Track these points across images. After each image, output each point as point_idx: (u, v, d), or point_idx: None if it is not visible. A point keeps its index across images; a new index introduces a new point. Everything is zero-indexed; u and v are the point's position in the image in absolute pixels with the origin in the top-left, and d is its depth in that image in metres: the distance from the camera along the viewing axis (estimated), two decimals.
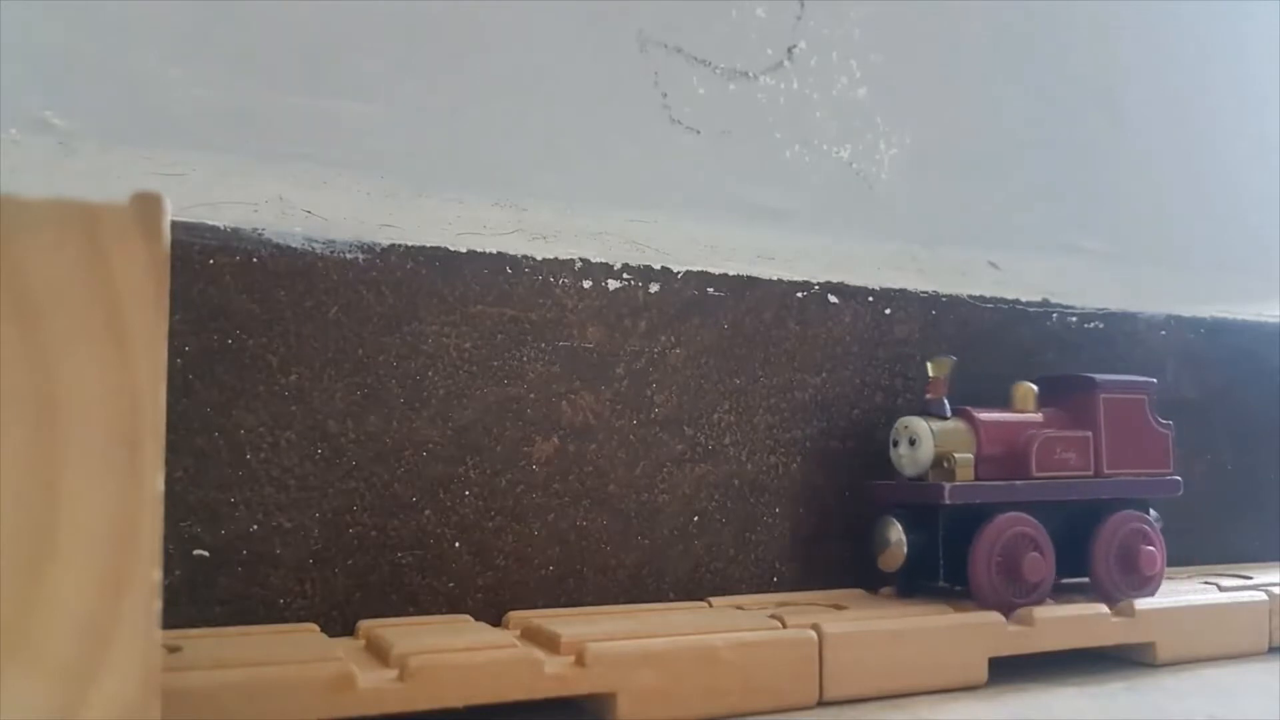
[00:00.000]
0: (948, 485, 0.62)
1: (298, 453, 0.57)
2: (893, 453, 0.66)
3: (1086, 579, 0.66)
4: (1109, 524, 0.65)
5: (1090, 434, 0.67)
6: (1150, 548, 0.66)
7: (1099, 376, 0.68)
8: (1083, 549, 0.65)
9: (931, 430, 0.64)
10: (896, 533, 0.63)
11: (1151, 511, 0.68)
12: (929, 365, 0.67)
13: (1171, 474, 0.69)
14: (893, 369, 0.74)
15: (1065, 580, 0.65)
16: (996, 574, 0.61)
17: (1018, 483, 0.64)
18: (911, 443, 0.65)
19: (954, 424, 0.65)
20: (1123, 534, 0.65)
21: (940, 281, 0.78)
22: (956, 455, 0.64)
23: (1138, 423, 0.69)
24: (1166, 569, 0.67)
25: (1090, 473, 0.66)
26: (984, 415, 0.66)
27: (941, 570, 0.63)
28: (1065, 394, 0.69)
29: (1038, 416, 0.68)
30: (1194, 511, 0.85)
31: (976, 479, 0.64)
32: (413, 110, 0.65)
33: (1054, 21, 0.88)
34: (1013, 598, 0.61)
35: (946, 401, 0.66)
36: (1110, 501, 0.66)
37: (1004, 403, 0.69)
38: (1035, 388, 0.69)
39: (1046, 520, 0.63)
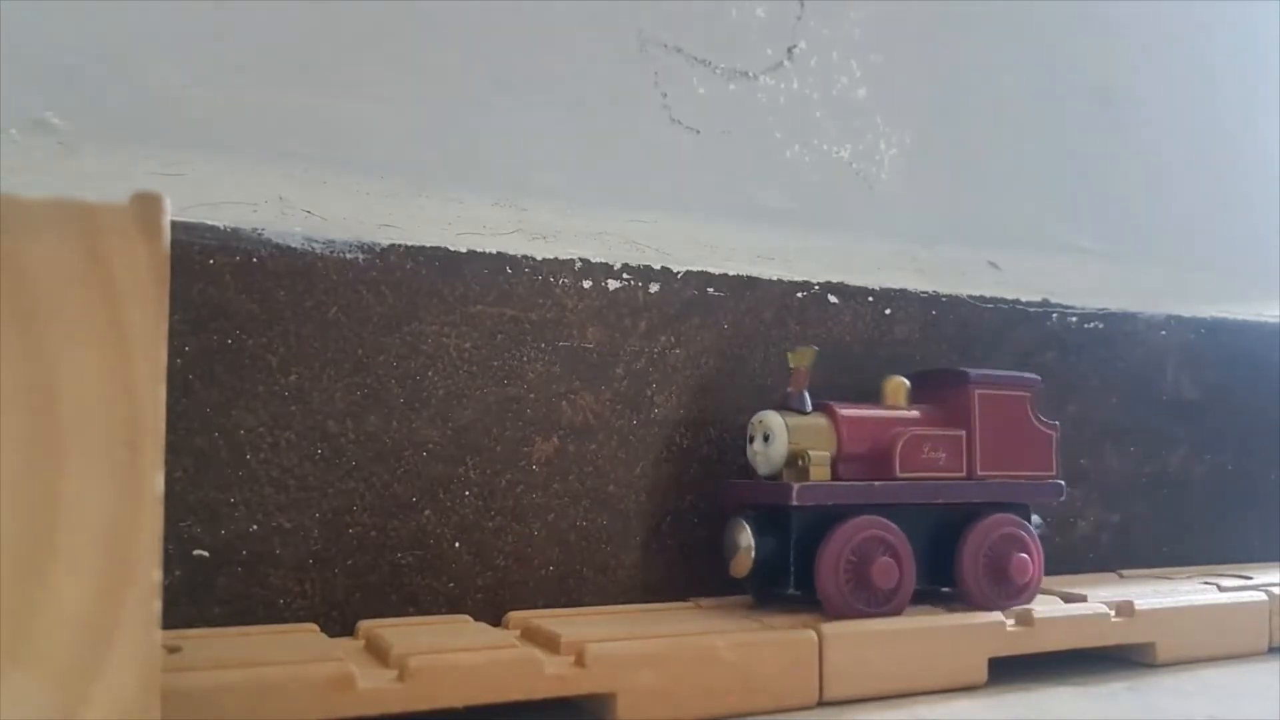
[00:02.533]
0: (796, 485, 0.58)
1: (297, 453, 0.57)
2: (749, 449, 0.62)
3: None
4: (978, 529, 0.61)
5: (963, 432, 0.63)
6: (1023, 555, 0.62)
7: (974, 371, 0.64)
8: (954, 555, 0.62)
9: (786, 425, 0.60)
10: (745, 536, 0.59)
11: (1034, 517, 0.64)
12: (789, 356, 0.63)
13: (1054, 477, 0.65)
14: (893, 369, 0.73)
15: (942, 589, 0.62)
16: (845, 581, 0.57)
17: (876, 483, 0.60)
18: (766, 439, 0.61)
19: (812, 419, 0.61)
20: (993, 540, 0.61)
21: (940, 281, 0.78)
22: (811, 453, 0.59)
23: (1018, 421, 0.64)
24: (1165, 569, 0.67)
25: (962, 474, 0.62)
26: (846, 411, 0.62)
27: (791, 577, 0.58)
28: (939, 389, 0.65)
29: (908, 413, 0.64)
30: (1194, 511, 0.85)
31: (836, 479, 0.60)
32: (413, 110, 0.65)
33: (1054, 21, 0.88)
34: (862, 606, 0.57)
35: (807, 395, 0.62)
36: (984, 505, 0.62)
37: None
38: (907, 382, 0.65)
39: (912, 524, 0.60)
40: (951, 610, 0.59)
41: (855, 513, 0.58)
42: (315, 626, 0.55)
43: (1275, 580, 0.71)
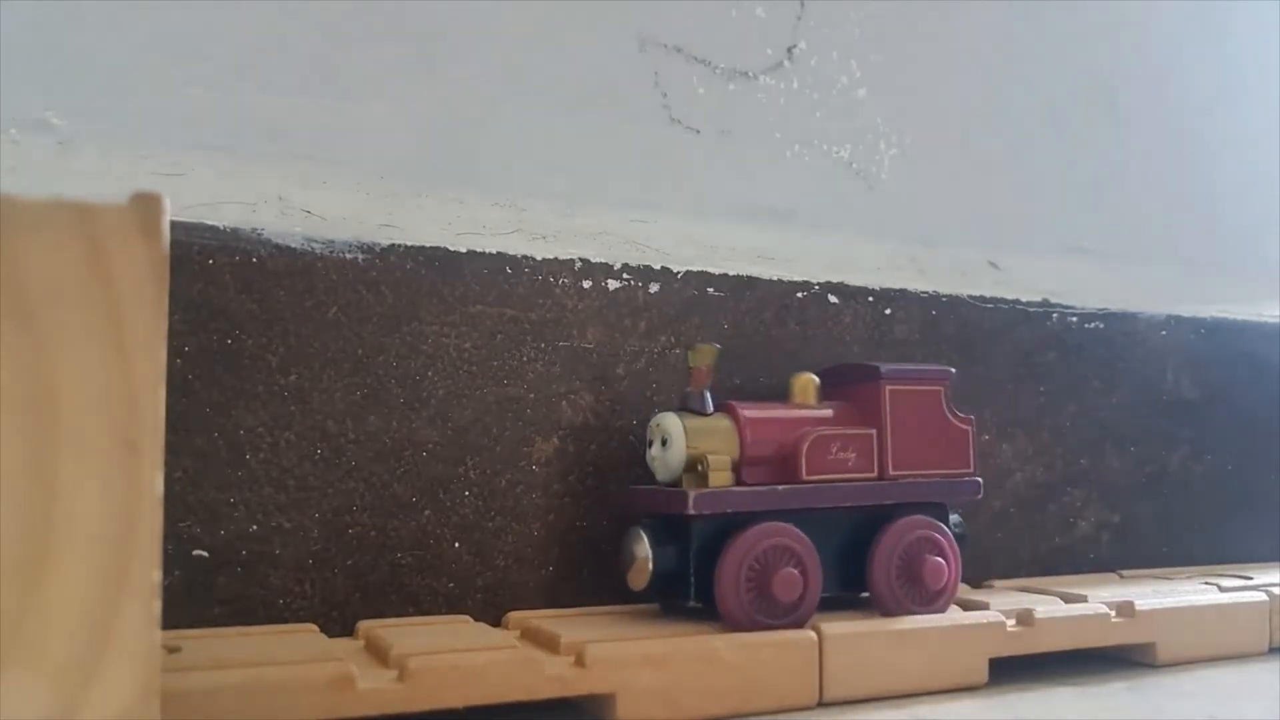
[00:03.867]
0: (693, 492, 0.54)
1: (297, 453, 0.57)
2: (648, 454, 0.59)
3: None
4: (890, 532, 0.58)
5: (873, 430, 0.60)
6: (937, 558, 0.59)
7: (884, 366, 0.61)
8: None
9: (684, 428, 0.57)
10: (643, 547, 0.56)
11: (953, 517, 0.62)
12: (689, 354, 0.60)
13: (972, 475, 0.62)
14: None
15: (859, 595, 0.60)
16: (746, 592, 0.54)
17: (780, 488, 0.56)
18: (664, 443, 0.58)
19: (713, 421, 0.58)
20: (906, 543, 0.59)
21: (940, 282, 0.78)
22: (710, 457, 0.56)
23: (932, 417, 0.61)
24: (1165, 569, 0.66)
25: (873, 474, 0.59)
26: (749, 411, 0.59)
27: (692, 588, 0.55)
28: (849, 386, 0.62)
29: (815, 412, 0.61)
30: (1194, 511, 0.85)
31: (740, 483, 0.57)
32: (412, 110, 0.64)
33: (1054, 21, 0.88)
34: (764, 619, 0.54)
35: (708, 395, 0.59)
36: (897, 506, 0.60)
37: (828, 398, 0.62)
38: (816, 379, 0.62)
39: (821, 529, 0.57)
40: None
41: (759, 519, 0.55)
42: (315, 627, 0.55)
43: (1275, 580, 0.71)
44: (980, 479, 0.63)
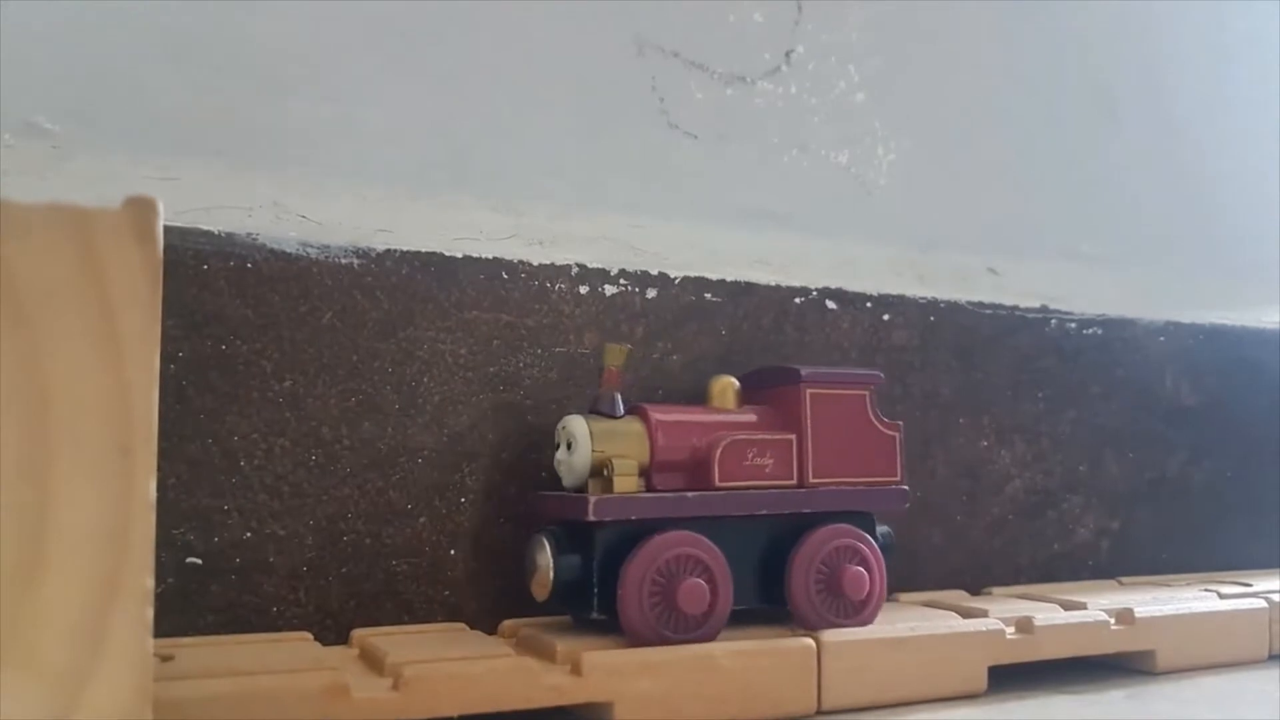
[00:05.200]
0: (593, 498, 0.52)
1: (291, 459, 0.57)
2: (555, 457, 0.57)
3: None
4: (809, 541, 0.56)
5: (793, 436, 0.57)
6: (858, 568, 0.56)
7: (805, 368, 0.59)
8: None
9: (590, 431, 0.55)
10: (545, 555, 0.53)
11: (881, 527, 0.60)
12: (603, 354, 0.58)
13: (898, 482, 0.60)
14: (891, 375, 0.73)
15: (781, 608, 0.57)
16: (650, 604, 0.51)
17: (689, 495, 0.54)
18: (569, 446, 0.55)
19: (622, 424, 0.56)
20: (826, 552, 0.56)
21: (939, 287, 0.78)
22: (616, 462, 0.54)
23: (856, 423, 0.59)
24: (1165, 576, 0.66)
25: (792, 481, 0.57)
26: (661, 414, 0.56)
27: (595, 599, 0.53)
28: (770, 389, 0.60)
29: (733, 416, 0.58)
30: (1194, 518, 0.85)
31: (650, 489, 0.55)
32: (408, 115, 0.64)
33: (1053, 26, 0.88)
34: (668, 632, 0.52)
35: (619, 397, 0.56)
36: (818, 515, 0.57)
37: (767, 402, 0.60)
38: (736, 382, 0.60)
39: (736, 539, 0.55)
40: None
41: (667, 527, 0.53)
42: (309, 635, 0.55)
43: (1275, 587, 0.71)
44: (906, 487, 0.60)
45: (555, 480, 0.57)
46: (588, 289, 0.64)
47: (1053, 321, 0.81)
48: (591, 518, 0.52)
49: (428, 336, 0.60)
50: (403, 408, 0.59)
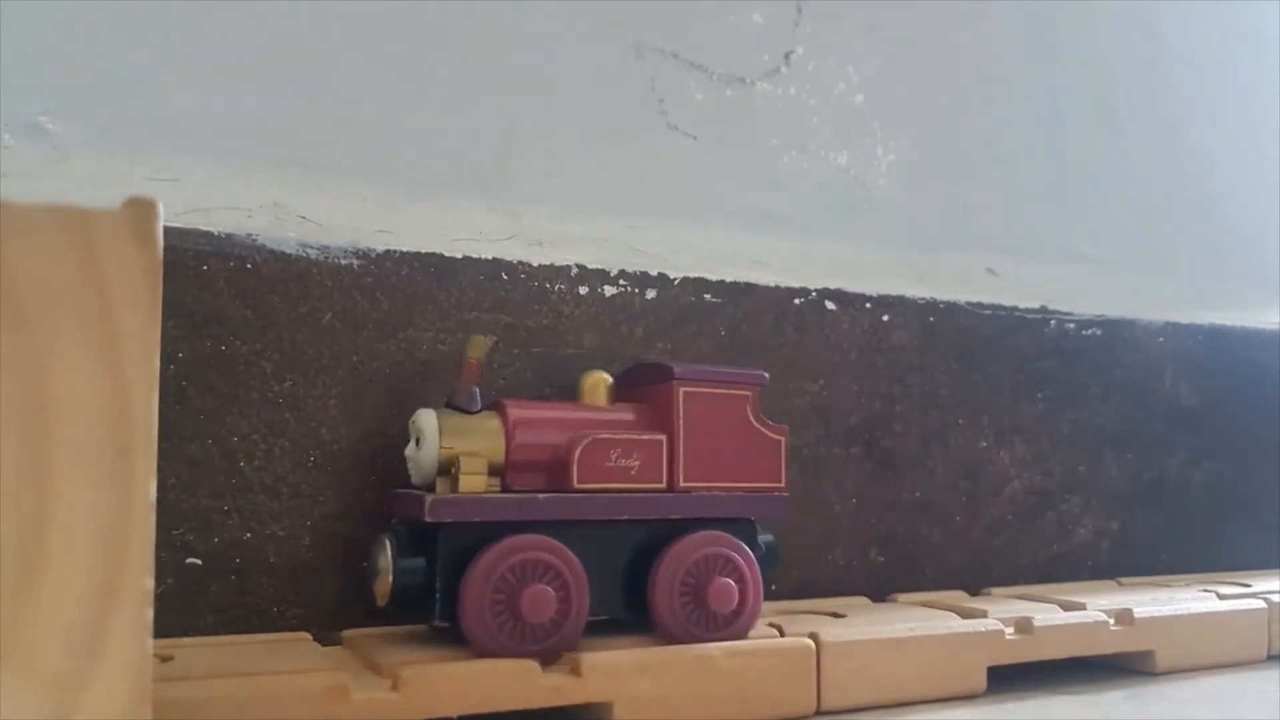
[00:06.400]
0: (429, 497, 0.49)
1: (291, 460, 0.56)
2: (405, 453, 0.54)
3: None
4: (675, 550, 0.52)
5: (663, 436, 0.54)
6: (726, 580, 0.53)
7: (679, 366, 0.55)
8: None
9: (440, 426, 0.51)
10: (385, 557, 0.50)
11: (764, 535, 0.57)
12: (466, 345, 0.54)
13: (781, 489, 0.56)
14: (891, 376, 0.73)
15: (641, 618, 0.53)
16: (493, 613, 0.48)
17: (541, 496, 0.51)
18: (419, 442, 0.52)
19: (476, 420, 0.52)
20: (693, 562, 0.53)
21: (938, 288, 0.78)
22: (464, 459, 0.50)
23: (736, 425, 0.55)
24: (1164, 576, 0.66)
25: (661, 485, 0.53)
26: (519, 410, 0.53)
27: (437, 605, 0.49)
28: (644, 387, 0.57)
29: (600, 414, 0.55)
30: (1193, 519, 0.85)
31: (506, 489, 0.52)
32: (408, 115, 0.64)
33: (1052, 28, 0.88)
34: (513, 643, 0.48)
35: (478, 392, 0.53)
36: (690, 522, 0.54)
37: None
38: (609, 378, 0.57)
39: (596, 545, 0.51)
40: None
41: (522, 531, 0.50)
42: (309, 635, 0.55)
43: (1274, 588, 0.71)
44: (788, 494, 0.57)
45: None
46: (587, 290, 0.64)
47: (1052, 322, 0.81)
48: (428, 518, 0.48)
49: (427, 337, 0.60)
50: (402, 409, 0.59)
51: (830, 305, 0.72)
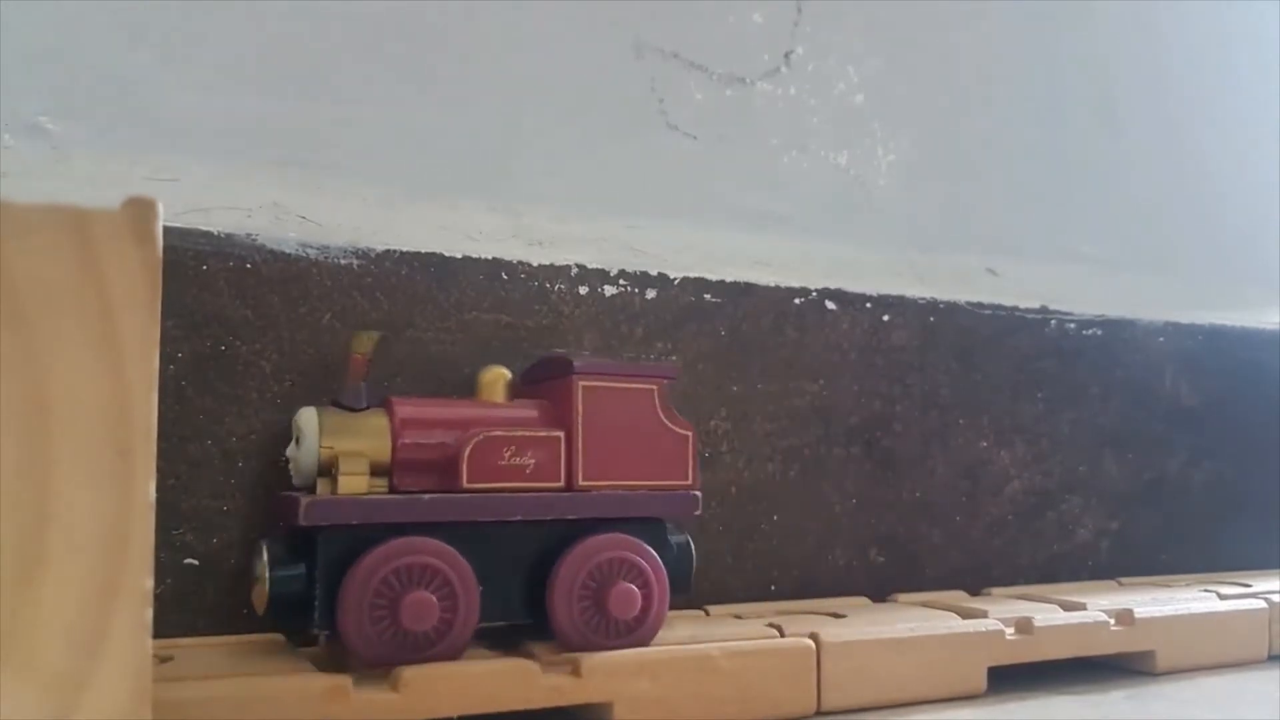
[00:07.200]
0: (304, 500, 0.46)
1: None
2: (285, 453, 0.52)
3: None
4: (575, 553, 0.50)
5: (561, 433, 0.51)
6: (628, 585, 0.51)
7: (580, 359, 0.53)
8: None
9: (320, 425, 0.49)
10: (261, 564, 0.47)
11: (677, 537, 0.55)
12: (351, 341, 0.52)
13: (689, 486, 0.54)
14: (891, 376, 0.73)
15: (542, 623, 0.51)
16: (372, 620, 0.46)
17: (426, 497, 0.48)
18: (299, 441, 0.50)
19: (361, 418, 0.50)
20: (593, 565, 0.50)
21: (938, 288, 0.78)
22: (343, 459, 0.48)
23: (642, 421, 0.53)
24: (1164, 577, 0.66)
25: (560, 484, 0.51)
26: (407, 408, 0.51)
27: (316, 613, 0.46)
28: (546, 382, 0.55)
29: (496, 411, 0.53)
30: (1193, 519, 0.85)
31: (393, 491, 0.49)
32: (408, 115, 0.64)
33: (1052, 29, 0.88)
34: (394, 652, 0.46)
35: (364, 388, 0.51)
36: (592, 523, 0.51)
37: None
38: (508, 373, 0.55)
39: (491, 548, 0.49)
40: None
41: (405, 534, 0.47)
42: None
43: (1275, 588, 0.71)
44: (698, 493, 0.54)
45: None
46: (587, 290, 0.64)
47: (1052, 322, 0.81)
48: (303, 521, 0.46)
49: (427, 337, 0.60)
50: None
51: (830, 305, 0.72)
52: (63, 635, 0.29)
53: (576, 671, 0.48)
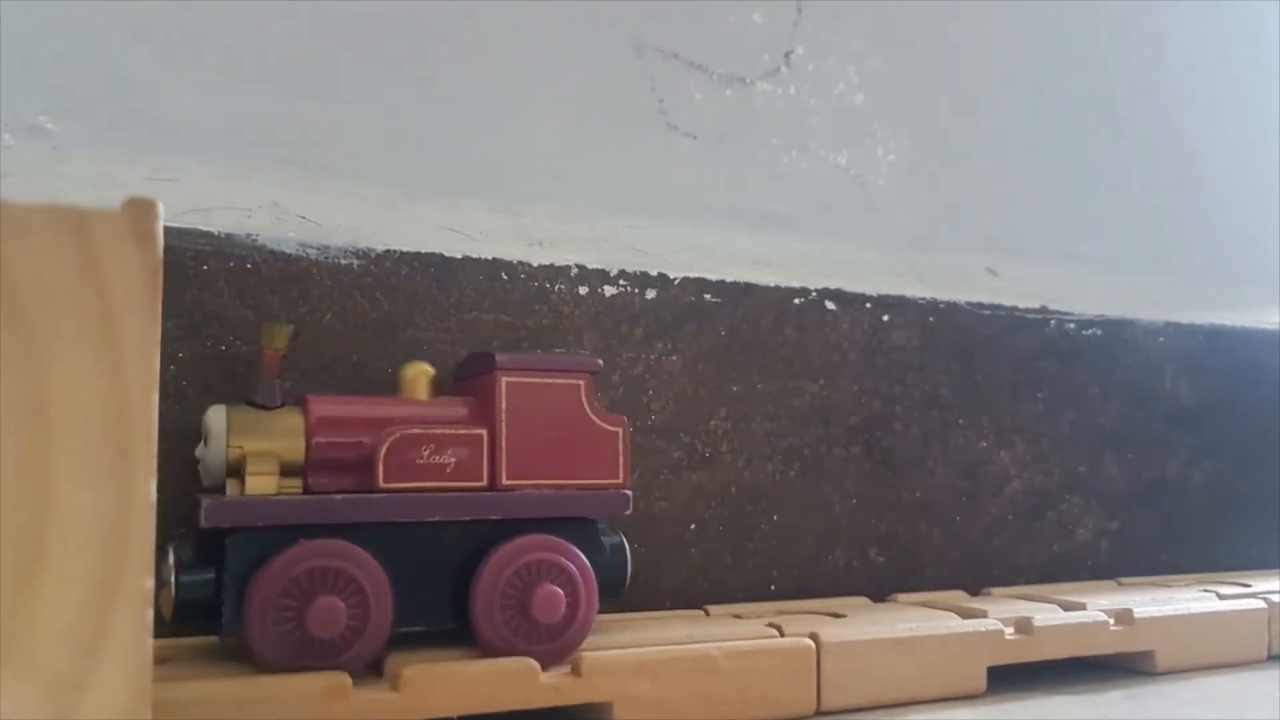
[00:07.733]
0: (207, 501, 0.44)
1: None
2: (195, 452, 0.49)
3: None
4: (497, 555, 0.48)
5: (483, 431, 0.50)
6: (553, 588, 0.49)
7: (502, 354, 0.51)
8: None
9: (228, 424, 0.47)
10: (167, 568, 0.45)
11: (611, 538, 0.53)
12: (260, 335, 0.50)
13: (620, 485, 0.52)
14: (891, 376, 0.73)
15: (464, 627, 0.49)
16: (276, 626, 0.44)
17: (339, 497, 0.46)
18: (207, 441, 0.48)
19: (273, 417, 0.48)
20: (516, 568, 0.48)
21: (938, 288, 0.78)
22: (252, 459, 0.46)
23: (568, 417, 0.51)
24: (1164, 577, 0.66)
25: (482, 483, 0.49)
26: (322, 406, 0.49)
27: (224, 618, 0.45)
28: (472, 379, 0.53)
29: (417, 409, 0.51)
30: (1193, 519, 0.85)
31: (307, 491, 0.48)
32: (408, 115, 0.64)
33: (1052, 29, 0.88)
34: (300, 659, 0.44)
35: (278, 385, 0.49)
36: (516, 523, 0.49)
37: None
38: (431, 369, 0.53)
39: (408, 550, 0.48)
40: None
41: (317, 536, 0.45)
42: None
43: (1274, 588, 0.71)
44: (629, 492, 0.52)
45: None
46: (587, 290, 0.64)
47: (1052, 322, 0.81)
48: (204, 523, 0.44)
49: (427, 337, 0.60)
50: None
51: (830, 305, 0.72)
52: (63, 635, 0.29)
53: (576, 671, 0.48)
